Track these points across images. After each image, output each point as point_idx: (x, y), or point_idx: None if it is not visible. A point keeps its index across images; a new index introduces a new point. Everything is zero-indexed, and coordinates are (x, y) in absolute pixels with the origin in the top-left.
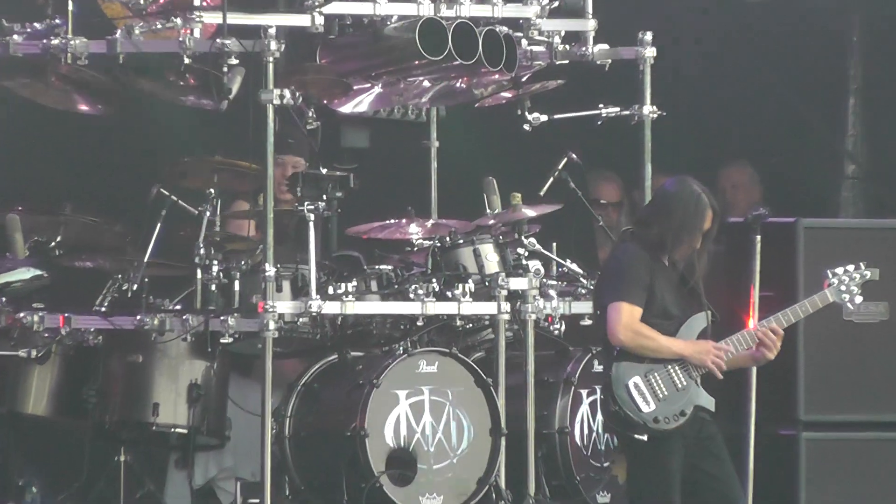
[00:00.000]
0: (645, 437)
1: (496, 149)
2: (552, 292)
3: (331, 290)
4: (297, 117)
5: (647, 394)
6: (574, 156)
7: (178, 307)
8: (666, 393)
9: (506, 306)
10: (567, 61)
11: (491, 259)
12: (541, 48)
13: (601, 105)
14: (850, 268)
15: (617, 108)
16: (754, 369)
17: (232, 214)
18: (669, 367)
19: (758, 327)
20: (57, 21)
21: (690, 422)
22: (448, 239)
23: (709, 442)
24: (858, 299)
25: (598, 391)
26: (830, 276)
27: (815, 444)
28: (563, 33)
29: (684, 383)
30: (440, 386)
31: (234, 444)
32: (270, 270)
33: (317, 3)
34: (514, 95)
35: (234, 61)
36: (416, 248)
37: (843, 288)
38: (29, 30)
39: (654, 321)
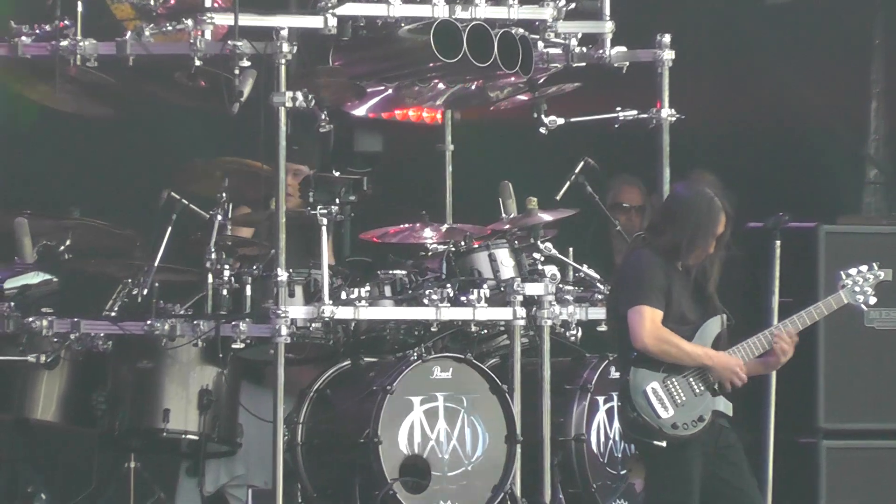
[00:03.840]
0: (664, 444)
1: (512, 152)
2: (568, 298)
3: (344, 296)
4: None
5: (665, 399)
6: (591, 160)
7: (188, 312)
8: (684, 398)
9: (521, 312)
10: (584, 64)
11: (506, 264)
12: (557, 50)
13: (618, 108)
14: (864, 268)
15: (634, 112)
16: (774, 376)
17: (240, 219)
18: (686, 371)
19: (772, 331)
20: (66, 22)
21: (709, 428)
22: (463, 244)
23: (728, 451)
24: (873, 300)
25: (615, 398)
26: (844, 277)
27: (836, 452)
28: (579, 35)
29: (702, 388)
30: (455, 392)
31: (246, 452)
32: (283, 275)
33: (329, 5)
34: (530, 98)
35: (245, 63)
36: (430, 253)
37: (856, 289)
38: (37, 31)
39: (671, 326)
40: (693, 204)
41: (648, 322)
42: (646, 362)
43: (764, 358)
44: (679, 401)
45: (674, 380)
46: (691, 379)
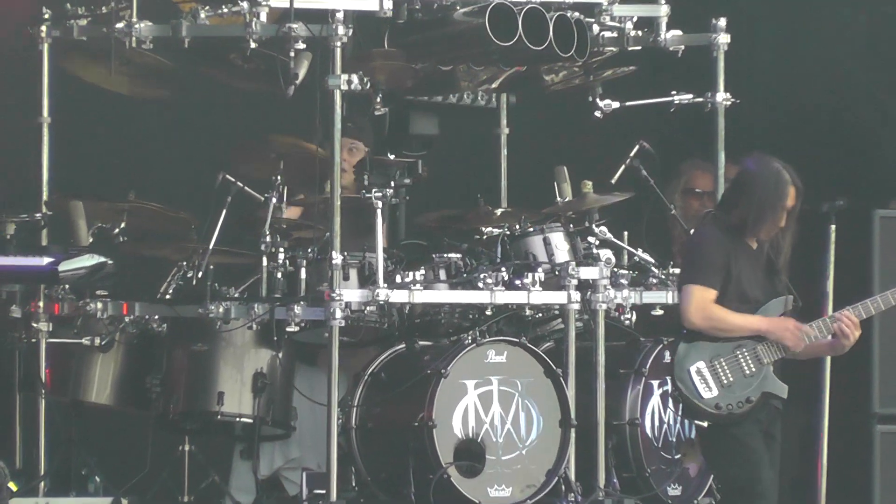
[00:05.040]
0: (705, 425)
1: (567, 136)
2: (623, 281)
3: (398, 279)
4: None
5: (709, 380)
6: (646, 144)
7: (243, 295)
8: (731, 379)
9: (576, 296)
10: (639, 47)
11: (561, 248)
12: (612, 34)
13: (674, 92)
14: None
15: (690, 96)
16: (828, 360)
17: (296, 202)
18: (738, 352)
19: (838, 316)
20: (122, 4)
21: (761, 408)
22: (518, 227)
23: (771, 441)
24: None
25: (669, 381)
26: None
27: (890, 436)
28: (635, 19)
29: (753, 370)
30: (509, 376)
31: (300, 435)
32: (337, 258)
33: None
34: (585, 82)
35: (300, 46)
36: (484, 237)
37: None
38: (93, 13)
39: (732, 304)
40: (760, 177)
41: (696, 301)
42: (696, 340)
43: (830, 340)
44: (726, 381)
45: (722, 360)
46: (742, 358)
